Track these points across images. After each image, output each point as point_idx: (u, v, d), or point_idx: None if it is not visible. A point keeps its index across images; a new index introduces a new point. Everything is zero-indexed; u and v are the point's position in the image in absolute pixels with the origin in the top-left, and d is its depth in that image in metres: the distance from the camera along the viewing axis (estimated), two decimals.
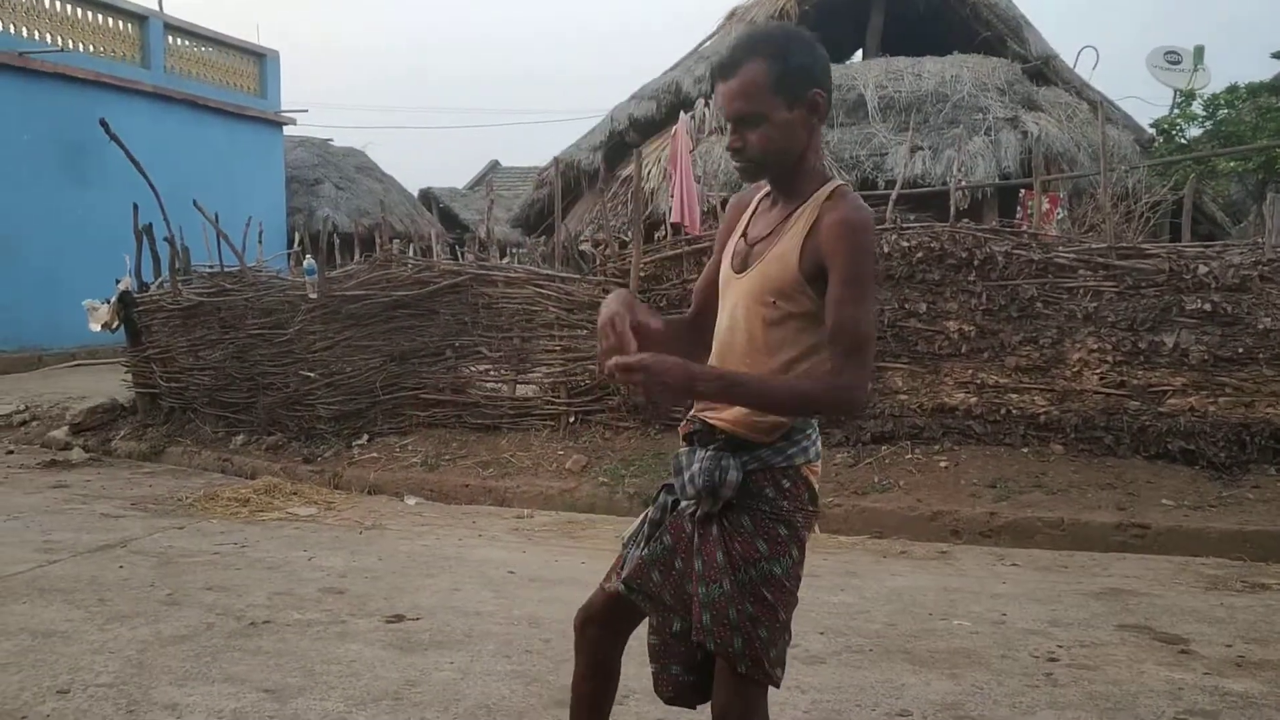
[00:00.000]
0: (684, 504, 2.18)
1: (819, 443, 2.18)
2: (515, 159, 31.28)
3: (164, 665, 3.74)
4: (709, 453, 2.12)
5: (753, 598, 2.05)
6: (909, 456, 6.67)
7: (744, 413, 2.10)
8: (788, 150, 2.09)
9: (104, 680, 3.58)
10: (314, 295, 8.45)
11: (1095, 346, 6.44)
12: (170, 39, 17.83)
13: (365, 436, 8.21)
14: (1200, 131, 12.69)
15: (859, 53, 16.68)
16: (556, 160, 14.62)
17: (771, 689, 2.11)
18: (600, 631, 2.32)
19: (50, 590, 4.72)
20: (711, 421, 2.15)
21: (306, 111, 21.92)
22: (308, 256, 10.39)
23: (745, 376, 2.06)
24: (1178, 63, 14.08)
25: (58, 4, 15.75)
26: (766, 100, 2.05)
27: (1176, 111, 13.04)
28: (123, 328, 9.68)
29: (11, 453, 9.03)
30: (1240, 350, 6.20)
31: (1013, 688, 3.57)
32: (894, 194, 7.52)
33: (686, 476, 2.14)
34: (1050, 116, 12.78)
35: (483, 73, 79.90)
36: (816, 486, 2.17)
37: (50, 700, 3.41)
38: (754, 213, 2.25)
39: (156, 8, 17.79)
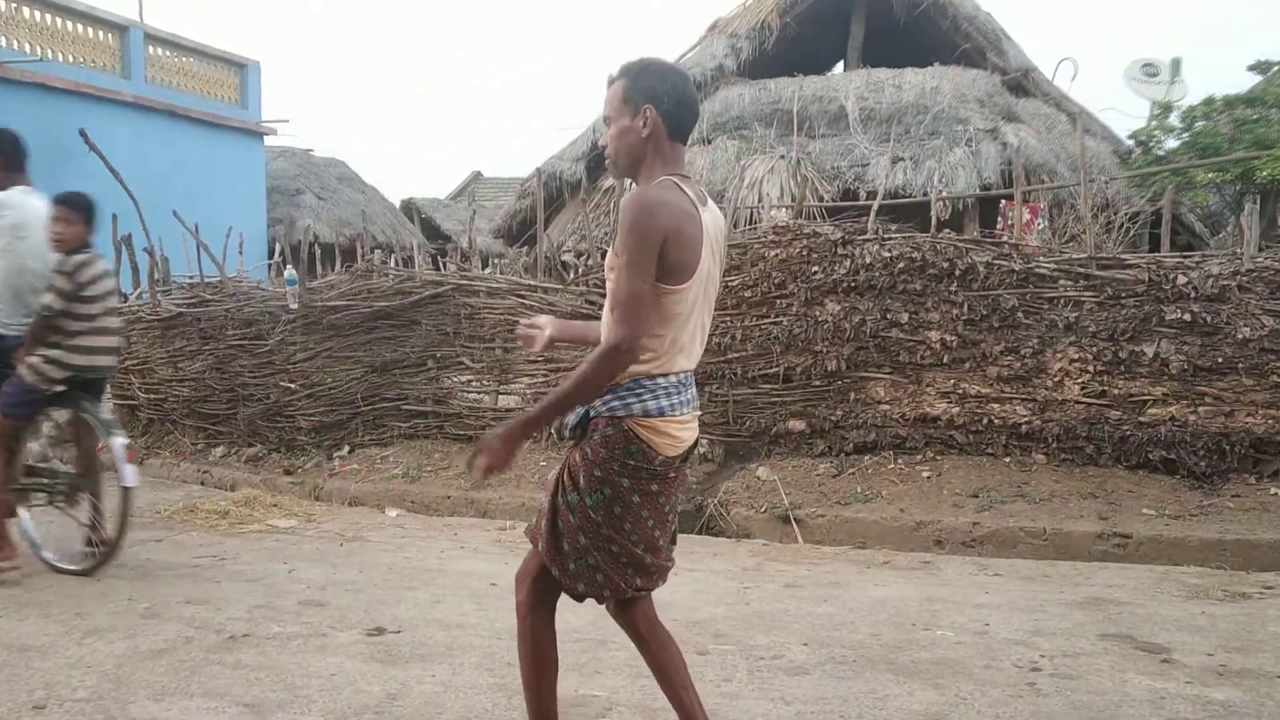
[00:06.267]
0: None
1: (663, 400, 2.47)
2: (497, 170, 31.31)
3: (142, 680, 3.69)
4: None
5: (549, 517, 2.55)
6: (891, 466, 6.68)
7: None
8: (629, 153, 2.54)
9: (81, 695, 3.54)
10: (295, 306, 8.42)
11: (1076, 356, 6.46)
12: (150, 49, 17.72)
13: (346, 448, 8.17)
14: (1178, 143, 12.76)
15: (840, 64, 16.76)
16: (539, 171, 14.61)
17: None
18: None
19: (26, 604, 4.66)
20: None
21: (288, 122, 21.90)
22: (288, 267, 10.38)
23: (549, 395, 2.47)
24: (1155, 75, 14.19)
25: (37, 13, 15.64)
26: (618, 108, 2.54)
27: (1154, 123, 13.13)
28: None
29: None
30: (1220, 360, 6.24)
31: (996, 698, 3.57)
32: (875, 205, 7.55)
33: None
34: (1030, 128, 12.87)
35: (465, 83, 79.85)
36: (652, 443, 2.44)
37: (26, 716, 3.36)
38: None
39: (137, 18, 17.71)
